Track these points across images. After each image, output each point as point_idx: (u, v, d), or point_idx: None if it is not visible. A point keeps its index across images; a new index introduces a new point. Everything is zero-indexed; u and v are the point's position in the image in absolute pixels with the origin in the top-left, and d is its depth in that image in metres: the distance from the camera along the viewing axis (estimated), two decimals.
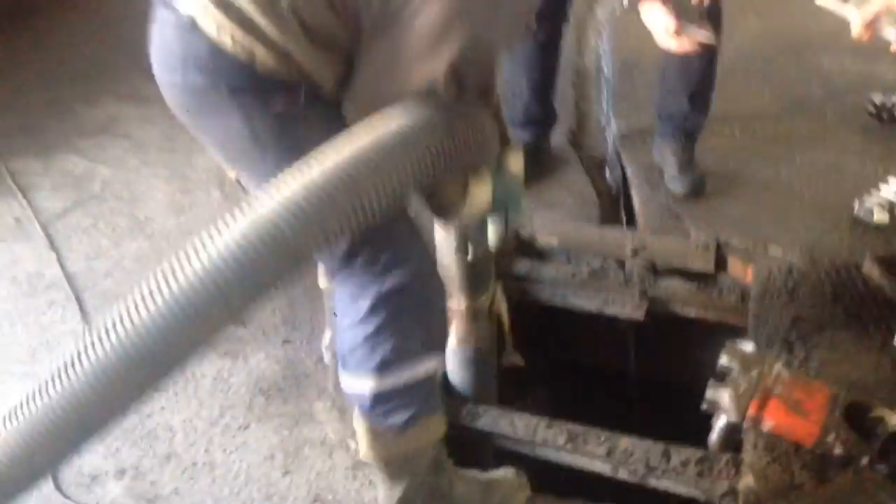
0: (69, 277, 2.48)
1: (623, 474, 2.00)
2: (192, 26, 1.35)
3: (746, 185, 2.74)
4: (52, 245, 2.60)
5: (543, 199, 2.74)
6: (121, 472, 1.93)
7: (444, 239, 1.88)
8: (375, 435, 1.64)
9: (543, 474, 2.01)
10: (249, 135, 1.43)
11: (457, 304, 1.97)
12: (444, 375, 2.09)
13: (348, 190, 1.21)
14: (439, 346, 1.72)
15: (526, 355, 2.25)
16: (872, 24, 1.29)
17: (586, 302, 2.47)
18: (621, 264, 2.52)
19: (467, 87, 1.46)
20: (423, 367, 1.62)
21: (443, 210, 1.60)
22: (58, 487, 1.88)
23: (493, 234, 1.78)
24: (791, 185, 2.72)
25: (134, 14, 4.15)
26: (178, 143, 3.04)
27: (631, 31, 3.67)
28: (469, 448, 2.04)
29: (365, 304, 1.54)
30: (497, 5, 1.34)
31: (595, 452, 2.00)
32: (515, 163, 1.70)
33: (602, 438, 2.02)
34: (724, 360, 1.90)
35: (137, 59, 3.10)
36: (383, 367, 1.57)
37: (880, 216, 2.51)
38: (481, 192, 1.60)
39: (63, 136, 3.13)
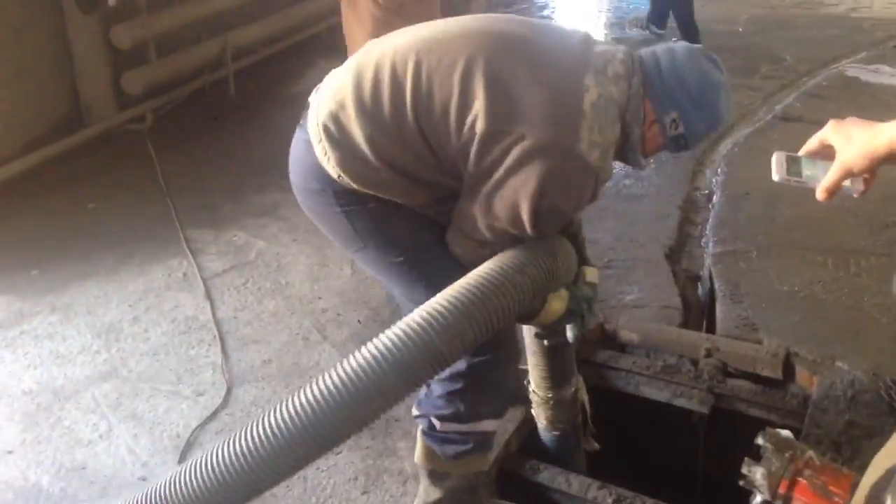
0: (217, 322, 2.96)
1: None
2: (311, 147, 1.76)
3: (828, 308, 2.91)
4: (209, 296, 3.12)
5: (631, 301, 3.01)
6: None
7: (528, 337, 2.15)
8: (429, 452, 1.97)
9: None
10: (350, 229, 1.80)
11: (543, 392, 2.24)
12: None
13: (484, 308, 1.53)
14: (502, 412, 2.04)
15: (604, 440, 2.50)
16: (836, 189, 1.35)
17: (657, 392, 2.68)
18: (695, 363, 2.74)
19: (546, 232, 1.75)
20: (483, 426, 1.96)
21: (524, 318, 1.90)
22: None
23: (570, 332, 2.00)
24: (870, 312, 2.87)
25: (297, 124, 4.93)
26: None
27: (742, 170, 4.01)
28: (525, 499, 2.30)
29: (455, 367, 1.83)
30: (567, 187, 1.67)
31: None
32: (592, 275, 2.02)
33: (647, 502, 2.22)
34: (760, 440, 2.10)
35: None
36: (452, 418, 1.92)
37: None
38: (556, 304, 1.88)
39: (233, 215, 3.72)
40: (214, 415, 2.51)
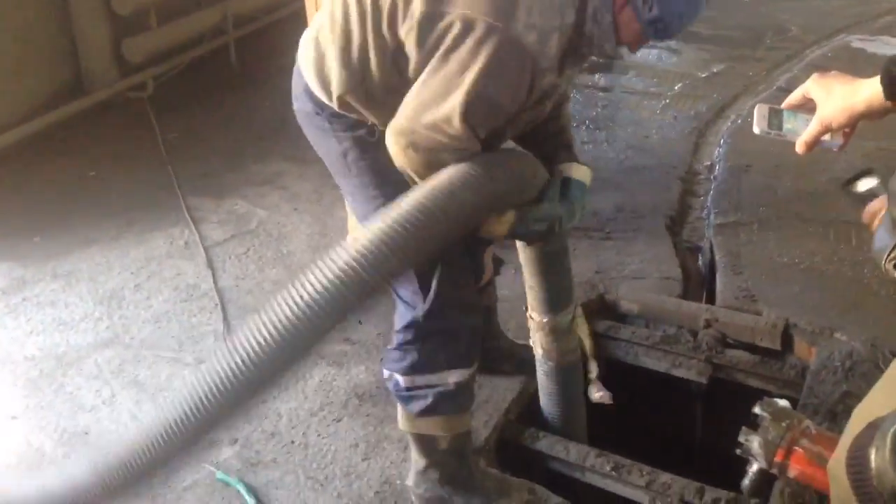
0: (219, 291, 2.97)
1: None
2: (301, 73, 1.86)
3: (827, 280, 2.91)
4: (210, 265, 3.13)
5: (631, 271, 3.02)
6: (234, 441, 2.33)
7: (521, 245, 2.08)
8: (404, 413, 2.00)
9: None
10: (340, 154, 1.87)
11: (538, 316, 2.17)
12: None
13: (427, 228, 1.52)
14: (463, 363, 1.95)
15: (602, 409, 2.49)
16: (815, 143, 1.40)
17: (655, 363, 2.70)
18: (694, 334, 2.76)
19: (479, 130, 1.68)
20: (446, 376, 1.93)
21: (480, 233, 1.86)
22: None
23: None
24: (870, 284, 2.87)
25: None
26: (324, 198, 3.57)
27: (744, 142, 3.99)
28: (524, 467, 2.32)
29: (401, 321, 1.91)
30: (500, 74, 1.61)
31: (636, 483, 2.23)
32: (578, 171, 1.96)
33: (644, 471, 2.24)
34: (757, 409, 2.12)
35: (301, 129, 3.76)
36: (409, 370, 1.93)
37: None
38: (495, 227, 1.81)
39: (234, 184, 3.72)
40: None
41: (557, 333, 2.20)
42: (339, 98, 1.80)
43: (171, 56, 4.70)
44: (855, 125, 1.37)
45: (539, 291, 2.12)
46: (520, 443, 2.38)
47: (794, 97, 1.43)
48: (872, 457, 1.14)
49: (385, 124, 1.73)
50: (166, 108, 4.46)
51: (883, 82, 1.31)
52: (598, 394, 2.44)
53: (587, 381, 2.44)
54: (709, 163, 3.97)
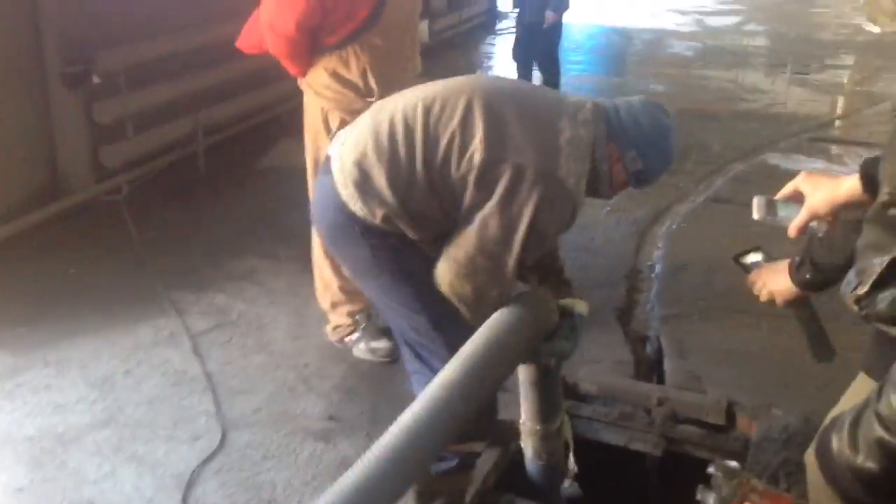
0: (207, 375, 3.16)
1: None
2: (336, 190, 2.08)
3: (763, 363, 3.26)
4: (196, 352, 3.31)
5: (589, 357, 3.32)
6: None
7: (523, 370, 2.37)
8: None
9: None
10: (372, 259, 2.13)
11: (532, 424, 2.46)
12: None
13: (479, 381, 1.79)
14: (486, 434, 2.31)
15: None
16: (804, 228, 1.63)
17: (614, 437, 2.97)
18: (648, 411, 3.04)
19: (531, 254, 2.07)
20: (470, 446, 2.24)
21: None
22: None
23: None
24: (801, 366, 3.22)
25: (270, 194, 5.20)
26: (299, 291, 3.81)
27: (680, 244, 4.41)
28: None
29: None
30: (552, 209, 1.99)
31: None
32: (579, 306, 2.30)
33: None
34: (711, 469, 2.40)
35: (274, 228, 4.12)
36: None
37: None
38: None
39: (213, 279, 3.93)
40: (213, 456, 2.70)
41: (548, 438, 2.49)
42: (384, 217, 2.04)
43: (144, 162, 4.95)
44: (836, 214, 1.63)
45: (535, 403, 2.40)
46: None
47: (786, 190, 1.68)
48: (834, 440, 1.41)
49: (420, 239, 2.07)
50: (140, 210, 4.68)
51: (862, 180, 1.57)
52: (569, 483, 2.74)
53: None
54: (650, 262, 4.36)
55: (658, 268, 4.25)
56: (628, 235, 4.63)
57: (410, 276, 2.11)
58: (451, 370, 1.77)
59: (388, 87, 2.76)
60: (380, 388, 3.12)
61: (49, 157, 4.52)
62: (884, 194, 1.33)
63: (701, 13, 13.85)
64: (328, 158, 2.15)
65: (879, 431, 1.26)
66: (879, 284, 1.27)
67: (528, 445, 2.53)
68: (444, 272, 2.03)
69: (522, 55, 7.45)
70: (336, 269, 3.21)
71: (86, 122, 4.58)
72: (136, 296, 3.75)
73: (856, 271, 1.32)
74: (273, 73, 6.09)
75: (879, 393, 1.28)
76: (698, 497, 2.38)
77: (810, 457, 1.60)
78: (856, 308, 1.32)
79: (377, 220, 2.06)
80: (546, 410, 2.44)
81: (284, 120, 6.07)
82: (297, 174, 4.73)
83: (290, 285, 3.90)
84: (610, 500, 3.06)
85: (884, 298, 1.27)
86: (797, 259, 1.95)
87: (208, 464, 2.66)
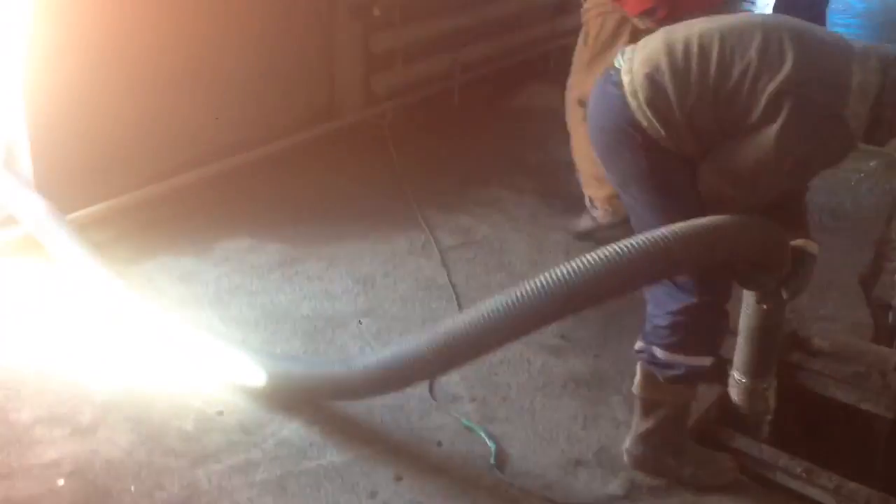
0: (453, 285, 3.48)
1: None
2: (624, 100, 2.26)
3: None
4: (444, 263, 3.65)
5: (825, 313, 3.30)
6: (472, 399, 2.80)
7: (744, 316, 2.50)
8: (647, 380, 2.40)
9: None
10: (648, 169, 2.29)
11: (739, 376, 2.53)
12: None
13: (706, 242, 2.10)
14: (713, 353, 2.41)
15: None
16: None
17: (845, 395, 2.96)
18: (883, 375, 3.00)
19: (797, 181, 2.28)
20: (697, 360, 2.36)
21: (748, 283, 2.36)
22: (433, 397, 2.79)
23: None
24: None
25: (517, 132, 5.43)
26: (539, 222, 4.05)
27: None
28: None
29: (675, 306, 2.31)
30: (827, 144, 2.13)
31: (826, 486, 2.51)
32: (811, 246, 2.39)
33: (833, 477, 2.52)
34: None
35: (519, 163, 4.34)
36: (672, 347, 2.32)
37: None
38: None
39: (460, 203, 4.25)
40: None
41: (752, 396, 2.54)
42: (668, 129, 2.21)
43: (406, 92, 5.35)
44: None
45: (747, 355, 2.49)
46: (717, 439, 2.71)
47: None
48: None
49: (694, 155, 2.24)
50: (401, 134, 5.09)
51: None
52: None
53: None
54: None
55: None
56: (881, 204, 4.43)
57: (677, 189, 2.26)
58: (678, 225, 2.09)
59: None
60: (609, 318, 3.28)
61: (328, 81, 5.02)
62: None
63: None
64: (615, 70, 2.31)
65: None
66: None
67: (733, 395, 2.59)
68: (708, 175, 2.22)
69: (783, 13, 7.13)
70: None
71: (363, 51, 5.02)
72: (393, 209, 4.14)
73: None
74: (526, 18, 6.38)
75: None
76: None
77: None
78: None
79: (661, 132, 2.21)
80: (756, 365, 2.49)
81: (535, 64, 6.28)
82: (545, 116, 4.97)
83: (531, 215, 4.15)
84: (833, 457, 3.07)
85: None
86: None
87: None
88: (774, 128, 2.08)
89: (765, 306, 2.39)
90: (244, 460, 2.49)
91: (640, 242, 2.05)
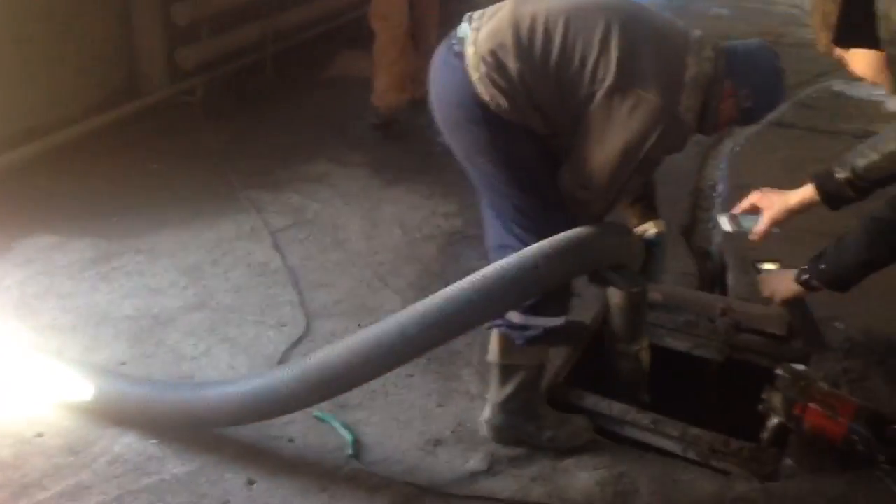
0: (289, 268, 3.32)
1: (691, 454, 2.57)
2: (467, 74, 2.19)
3: None
4: (277, 246, 3.47)
5: None
6: None
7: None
8: (505, 345, 2.39)
9: None
10: (491, 141, 2.23)
11: (611, 342, 2.71)
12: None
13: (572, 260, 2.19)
14: (565, 311, 2.43)
15: None
16: (766, 234, 2.38)
17: (678, 343, 3.09)
18: (711, 321, 3.15)
19: (645, 174, 2.34)
20: (552, 321, 2.37)
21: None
22: None
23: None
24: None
25: (336, 103, 5.30)
26: (370, 195, 3.95)
27: (742, 166, 4.44)
28: None
29: None
30: (664, 139, 2.14)
31: (671, 434, 2.60)
32: (659, 225, 2.56)
33: (678, 425, 2.62)
34: (779, 371, 2.51)
35: (342, 135, 4.19)
36: (528, 310, 2.32)
37: None
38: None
39: (287, 180, 4.07)
40: (300, 341, 2.87)
41: (625, 359, 2.71)
42: (511, 104, 2.16)
43: (216, 66, 5.05)
44: (791, 219, 2.41)
45: (618, 326, 2.65)
46: (568, 400, 2.74)
47: (744, 205, 2.47)
48: None
49: (542, 132, 2.24)
50: (213, 112, 4.81)
51: (819, 192, 2.34)
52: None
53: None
54: (712, 183, 4.41)
55: (720, 187, 4.30)
56: (692, 156, 4.65)
57: (526, 160, 2.22)
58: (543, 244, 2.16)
59: None
60: None
61: (128, 57, 4.64)
62: None
63: None
64: (458, 40, 2.23)
65: None
66: None
67: (610, 359, 2.71)
68: (565, 181, 2.24)
69: None
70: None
71: (163, 23, 4.67)
72: (215, 192, 3.90)
73: None
74: None
75: None
76: (764, 395, 2.51)
77: None
78: None
79: (504, 107, 2.16)
80: (628, 332, 2.67)
81: (349, 30, 6.12)
82: (362, 84, 4.84)
83: (362, 188, 4.03)
84: (672, 404, 3.21)
85: None
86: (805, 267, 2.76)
87: (296, 347, 2.83)
88: (611, 126, 2.10)
89: (634, 290, 2.50)
90: (74, 484, 2.25)
91: (509, 267, 2.12)
